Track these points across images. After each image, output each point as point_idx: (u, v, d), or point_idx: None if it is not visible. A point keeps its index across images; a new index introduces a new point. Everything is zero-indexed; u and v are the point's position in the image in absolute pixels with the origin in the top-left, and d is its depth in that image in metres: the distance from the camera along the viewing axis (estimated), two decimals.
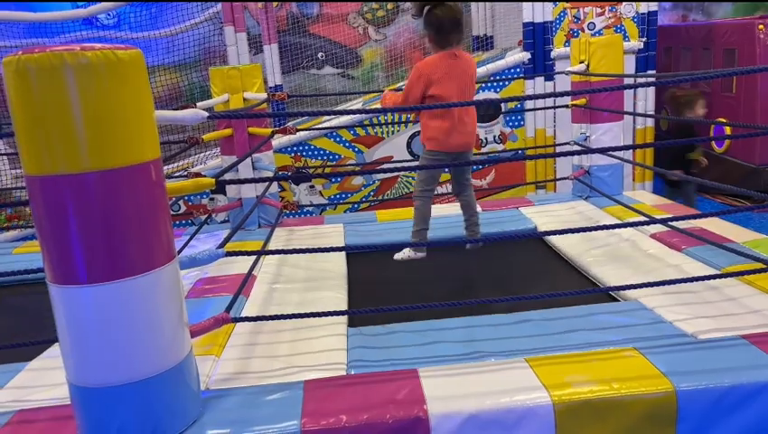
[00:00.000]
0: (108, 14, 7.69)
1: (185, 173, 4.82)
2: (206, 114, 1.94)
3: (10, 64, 1.44)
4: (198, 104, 3.36)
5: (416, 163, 5.99)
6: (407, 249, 3.00)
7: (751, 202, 5.47)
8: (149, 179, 1.57)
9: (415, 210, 3.02)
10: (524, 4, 5.90)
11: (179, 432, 1.69)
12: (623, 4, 5.89)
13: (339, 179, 6.19)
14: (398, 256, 3.03)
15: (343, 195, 6.24)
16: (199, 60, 7.64)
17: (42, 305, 1.66)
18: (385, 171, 5.24)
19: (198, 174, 3.18)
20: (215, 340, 2.29)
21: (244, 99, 3.79)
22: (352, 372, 2.06)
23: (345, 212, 5.97)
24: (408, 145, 6.18)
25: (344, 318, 2.48)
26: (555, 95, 2.86)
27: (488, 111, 5.98)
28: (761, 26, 5.83)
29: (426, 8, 2.85)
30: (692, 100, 4.91)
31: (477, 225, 3.17)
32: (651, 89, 6.03)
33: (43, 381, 2.13)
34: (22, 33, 7.10)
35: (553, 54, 5.91)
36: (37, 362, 2.32)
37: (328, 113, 2.51)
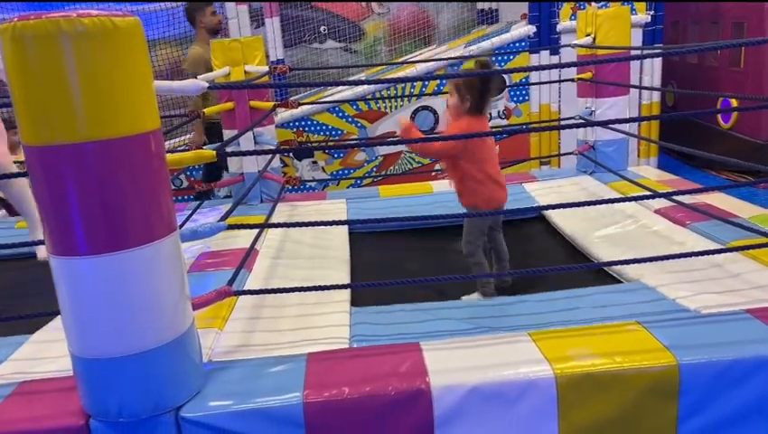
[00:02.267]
0: None
1: (186, 147, 4.79)
2: (206, 84, 1.91)
3: (6, 31, 1.41)
4: (199, 77, 3.32)
5: (420, 137, 5.96)
6: (477, 293, 2.65)
7: (756, 178, 5.43)
8: (148, 149, 1.55)
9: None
10: None
11: (181, 403, 1.70)
12: None
13: (341, 155, 6.15)
14: (466, 298, 2.65)
15: (346, 171, 6.21)
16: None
17: (45, 278, 1.66)
18: (388, 144, 5.20)
19: (199, 147, 3.15)
20: (218, 313, 2.29)
21: (245, 72, 3.75)
22: (355, 346, 2.06)
23: (348, 187, 5.95)
24: (412, 120, 6.12)
25: (347, 297, 2.47)
26: (560, 66, 2.82)
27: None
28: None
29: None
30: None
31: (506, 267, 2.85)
32: (658, 64, 5.95)
33: (46, 353, 2.14)
34: (21, 6, 7.02)
35: (559, 28, 5.82)
36: (40, 334, 2.32)
37: (330, 84, 2.47)
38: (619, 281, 2.61)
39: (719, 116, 6.27)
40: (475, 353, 1.90)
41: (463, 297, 2.65)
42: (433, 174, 5.90)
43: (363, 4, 8.13)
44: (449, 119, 2.74)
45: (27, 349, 2.22)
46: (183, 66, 5.14)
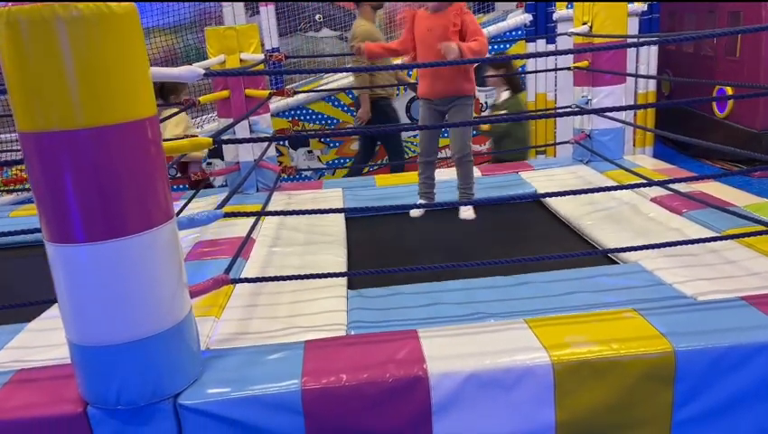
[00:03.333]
0: None
1: (182, 135, 4.76)
2: (202, 71, 1.90)
3: (0, 16, 1.39)
4: (194, 64, 3.29)
5: (415, 126, 5.96)
6: (471, 208, 2.97)
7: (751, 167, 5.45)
8: (145, 136, 1.54)
9: (470, 170, 2.98)
10: None
11: (179, 391, 1.70)
12: None
13: (337, 144, 6.14)
14: (465, 215, 2.98)
15: (342, 160, 6.20)
16: (194, 21, 7.49)
17: (42, 266, 1.65)
18: (384, 132, 5.18)
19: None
20: (215, 301, 2.29)
21: (240, 60, 3.72)
22: (352, 333, 2.07)
23: (344, 177, 5.94)
24: (408, 109, 6.11)
25: (344, 280, 2.47)
26: (557, 53, 2.82)
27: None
28: None
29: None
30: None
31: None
32: (654, 53, 5.95)
33: (43, 341, 2.14)
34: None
35: (555, 16, 5.80)
36: (37, 322, 2.32)
37: (326, 71, 2.47)
38: (616, 262, 2.62)
39: (715, 105, 6.28)
40: (473, 340, 1.90)
41: (463, 216, 2.90)
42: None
43: None
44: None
45: (24, 337, 2.21)
46: (351, 42, 5.10)
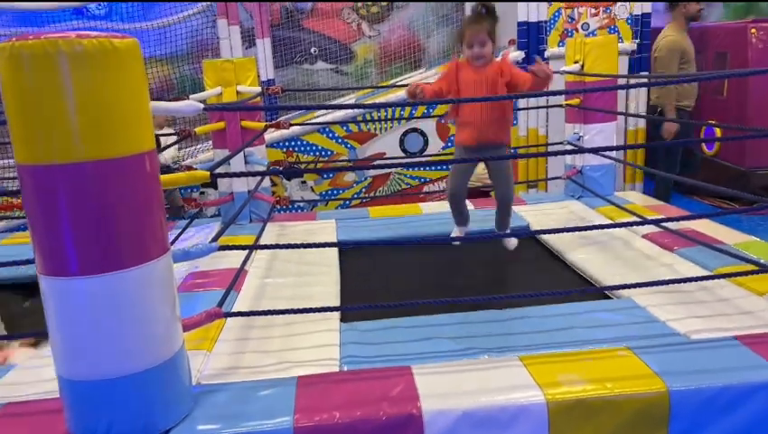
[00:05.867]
0: (99, 5, 7.59)
1: (176, 165, 4.77)
2: (201, 105, 1.92)
3: (3, 51, 1.41)
4: (190, 96, 3.32)
5: (409, 159, 5.99)
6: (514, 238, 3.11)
7: (740, 205, 5.51)
8: (144, 170, 1.55)
9: (511, 211, 3.11)
10: (519, 3, 5.89)
11: (170, 427, 1.67)
12: (617, 5, 5.90)
13: (331, 175, 6.17)
14: (512, 246, 3.11)
15: (335, 191, 6.22)
16: (191, 52, 7.57)
17: (34, 299, 1.64)
18: (378, 167, 5.22)
19: (190, 168, 3.15)
20: (206, 334, 2.27)
21: (237, 93, 3.76)
22: (345, 368, 2.05)
23: (337, 208, 5.95)
24: (401, 142, 6.17)
25: (336, 314, 2.46)
26: (549, 93, 2.86)
27: None
28: (753, 30, 5.87)
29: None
30: None
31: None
32: (644, 92, 6.05)
33: (32, 374, 2.10)
34: (10, 21, 7.01)
35: (547, 54, 5.91)
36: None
37: (323, 107, 2.49)
38: (609, 297, 2.63)
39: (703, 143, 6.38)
40: (467, 377, 1.89)
41: (511, 246, 3.06)
42: (421, 195, 5.93)
43: (354, 26, 8.21)
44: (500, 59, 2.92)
45: (13, 370, 2.18)
46: (655, 53, 5.00)
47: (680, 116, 5.01)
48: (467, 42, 2.77)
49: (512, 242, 3.11)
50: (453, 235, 3.04)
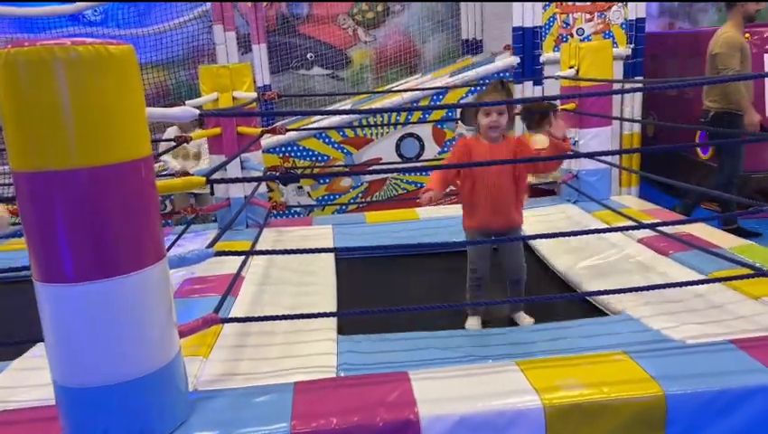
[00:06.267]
0: (95, 11, 7.61)
1: (173, 171, 4.76)
2: (197, 111, 1.92)
3: None
4: (186, 102, 3.33)
5: (405, 164, 5.98)
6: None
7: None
8: (140, 177, 1.54)
9: (523, 288, 2.72)
10: (514, 8, 5.91)
11: None
12: (612, 10, 5.93)
13: (327, 180, 6.16)
14: (526, 322, 2.64)
15: (332, 196, 6.21)
16: (187, 58, 7.58)
17: (26, 303, 1.63)
18: (374, 172, 5.23)
19: (186, 173, 3.15)
20: (203, 341, 2.26)
21: (233, 98, 3.76)
22: (342, 375, 2.05)
23: (333, 213, 5.95)
24: (397, 147, 6.17)
25: (334, 325, 2.46)
26: (545, 99, 2.87)
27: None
28: (747, 35, 5.90)
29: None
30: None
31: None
32: (639, 96, 6.08)
33: (27, 381, 2.09)
34: (6, 27, 7.02)
35: (542, 59, 5.93)
36: (20, 361, 2.28)
37: (319, 113, 2.50)
38: (605, 314, 2.62)
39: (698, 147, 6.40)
40: (464, 382, 1.89)
41: (527, 324, 2.59)
42: (417, 200, 5.92)
43: (350, 32, 8.23)
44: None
45: (7, 376, 2.17)
46: (715, 50, 4.86)
47: (734, 119, 4.82)
48: (484, 110, 2.55)
49: (529, 320, 2.64)
50: (467, 326, 2.60)
